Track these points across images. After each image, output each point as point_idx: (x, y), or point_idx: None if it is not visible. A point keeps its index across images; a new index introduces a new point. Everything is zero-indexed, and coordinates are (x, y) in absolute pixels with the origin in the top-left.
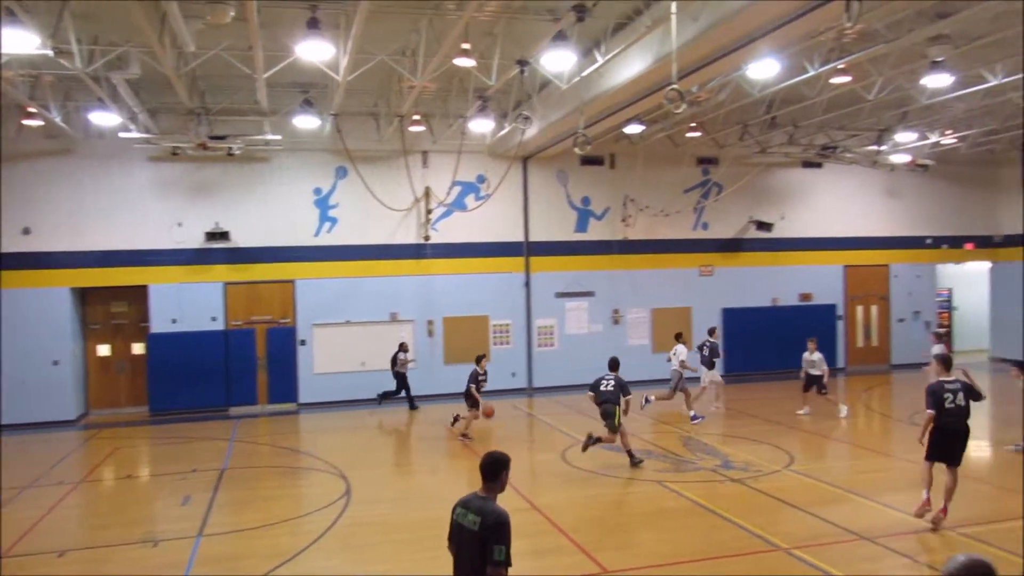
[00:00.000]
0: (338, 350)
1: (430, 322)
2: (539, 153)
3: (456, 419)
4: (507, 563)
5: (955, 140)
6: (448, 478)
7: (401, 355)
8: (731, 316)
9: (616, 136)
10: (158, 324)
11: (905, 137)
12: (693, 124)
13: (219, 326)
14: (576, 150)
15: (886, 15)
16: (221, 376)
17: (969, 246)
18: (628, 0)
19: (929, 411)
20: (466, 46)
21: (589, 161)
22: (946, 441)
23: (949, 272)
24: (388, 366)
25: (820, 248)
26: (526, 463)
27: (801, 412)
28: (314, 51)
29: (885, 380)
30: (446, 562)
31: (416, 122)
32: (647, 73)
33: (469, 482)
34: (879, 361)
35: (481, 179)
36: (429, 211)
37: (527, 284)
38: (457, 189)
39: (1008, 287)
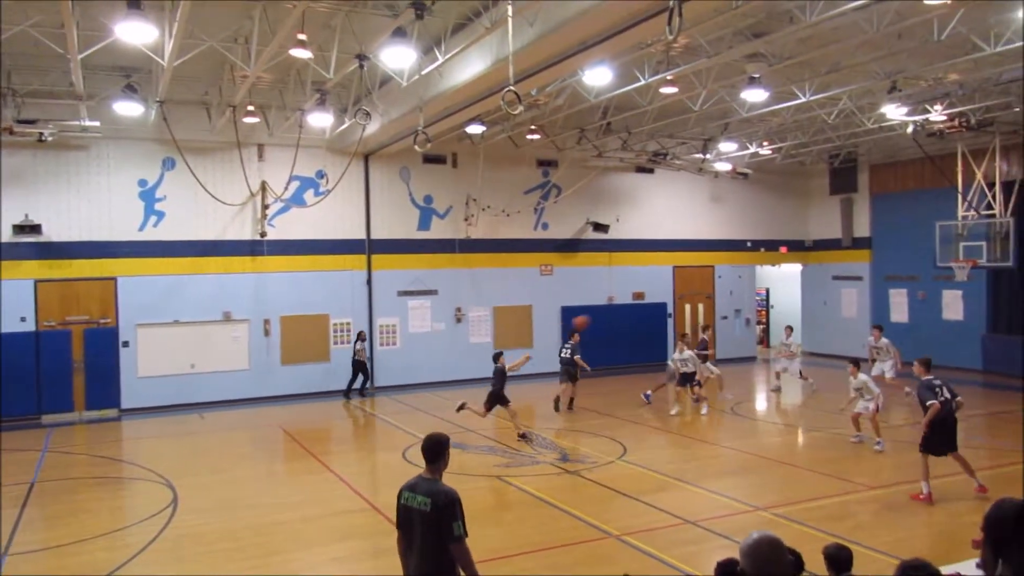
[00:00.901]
0: (165, 352)
1: (266, 321)
2: (381, 150)
3: (518, 429)
4: (465, 535)
5: (771, 151)
6: (281, 482)
7: (359, 344)
8: (569, 314)
9: (458, 135)
10: None
11: (727, 147)
12: (533, 127)
13: (29, 327)
14: (416, 148)
15: (708, 32)
16: (31, 382)
17: (783, 249)
18: (467, 0)
19: (934, 401)
20: (302, 37)
21: (431, 159)
22: (943, 430)
23: (767, 273)
24: (223, 367)
25: (652, 249)
26: (367, 463)
27: (673, 412)
28: (135, 33)
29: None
30: (273, 570)
31: (250, 113)
32: (486, 74)
33: (303, 485)
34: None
35: (320, 174)
36: (265, 206)
37: (369, 282)
38: (295, 184)
39: (816, 287)
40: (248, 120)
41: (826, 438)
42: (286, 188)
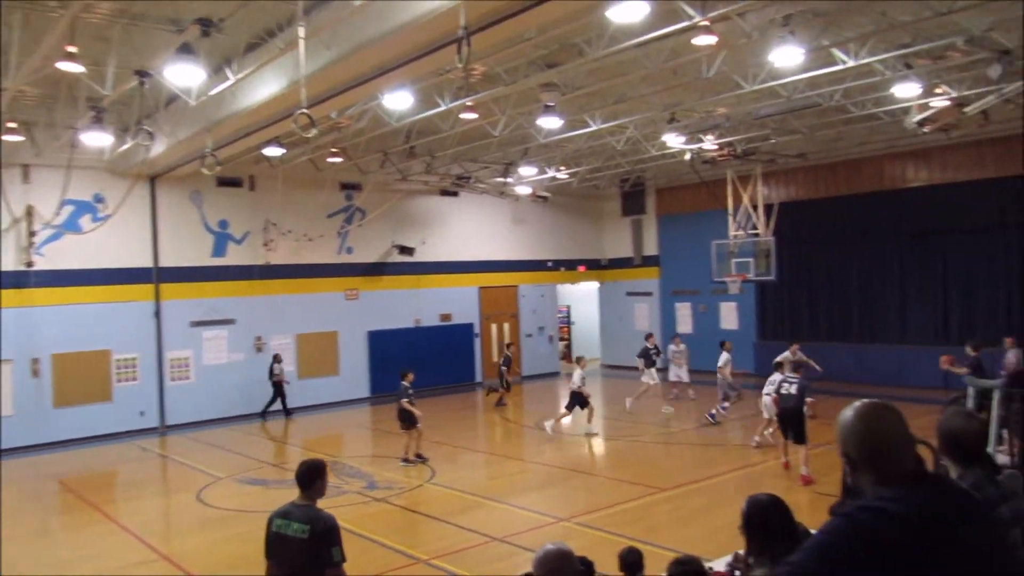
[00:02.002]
0: None
1: (35, 360)
2: (168, 172)
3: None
4: (344, 560)
5: (567, 176)
6: (55, 539)
7: (276, 366)
8: (376, 338)
9: (256, 157)
10: None
11: (527, 171)
12: (335, 149)
13: None
14: (204, 170)
15: (504, 61)
16: None
17: (582, 268)
18: (260, 19)
19: (771, 396)
20: (72, 49)
21: (226, 182)
22: (784, 420)
23: (567, 291)
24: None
25: (458, 271)
26: (156, 510)
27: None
28: None
29: (517, 391)
30: None
31: (12, 131)
32: (282, 96)
33: (81, 540)
34: (511, 374)
35: (99, 198)
36: (33, 233)
37: (157, 313)
38: (69, 209)
39: (612, 304)
40: (9, 138)
41: (626, 446)
42: (58, 213)
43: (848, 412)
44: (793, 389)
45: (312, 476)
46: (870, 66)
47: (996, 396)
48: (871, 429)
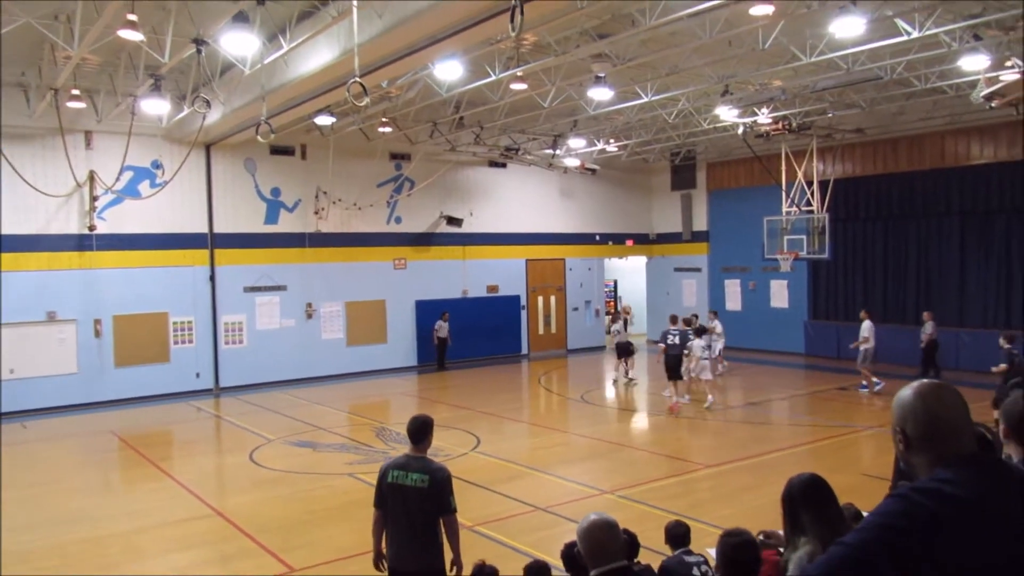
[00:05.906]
0: None
1: (97, 321)
2: (223, 140)
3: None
4: (456, 509)
5: (617, 148)
6: (116, 492)
7: (439, 323)
8: (423, 307)
9: (307, 126)
10: None
11: (576, 143)
12: (385, 119)
13: None
14: (259, 138)
15: (556, 31)
16: None
17: (630, 243)
18: None
19: (660, 344)
20: (133, 17)
21: (279, 151)
22: (669, 364)
23: (614, 265)
24: (47, 371)
25: (505, 243)
26: (210, 467)
27: (666, 394)
28: None
29: (562, 364)
30: None
31: (76, 98)
32: (334, 65)
33: (141, 494)
34: (557, 346)
35: (157, 165)
36: (95, 198)
37: (212, 278)
38: (129, 174)
39: (659, 279)
40: (73, 105)
41: (667, 421)
42: (118, 178)
43: (907, 391)
44: (676, 339)
45: (424, 431)
46: (935, 37)
47: None
48: (930, 408)
